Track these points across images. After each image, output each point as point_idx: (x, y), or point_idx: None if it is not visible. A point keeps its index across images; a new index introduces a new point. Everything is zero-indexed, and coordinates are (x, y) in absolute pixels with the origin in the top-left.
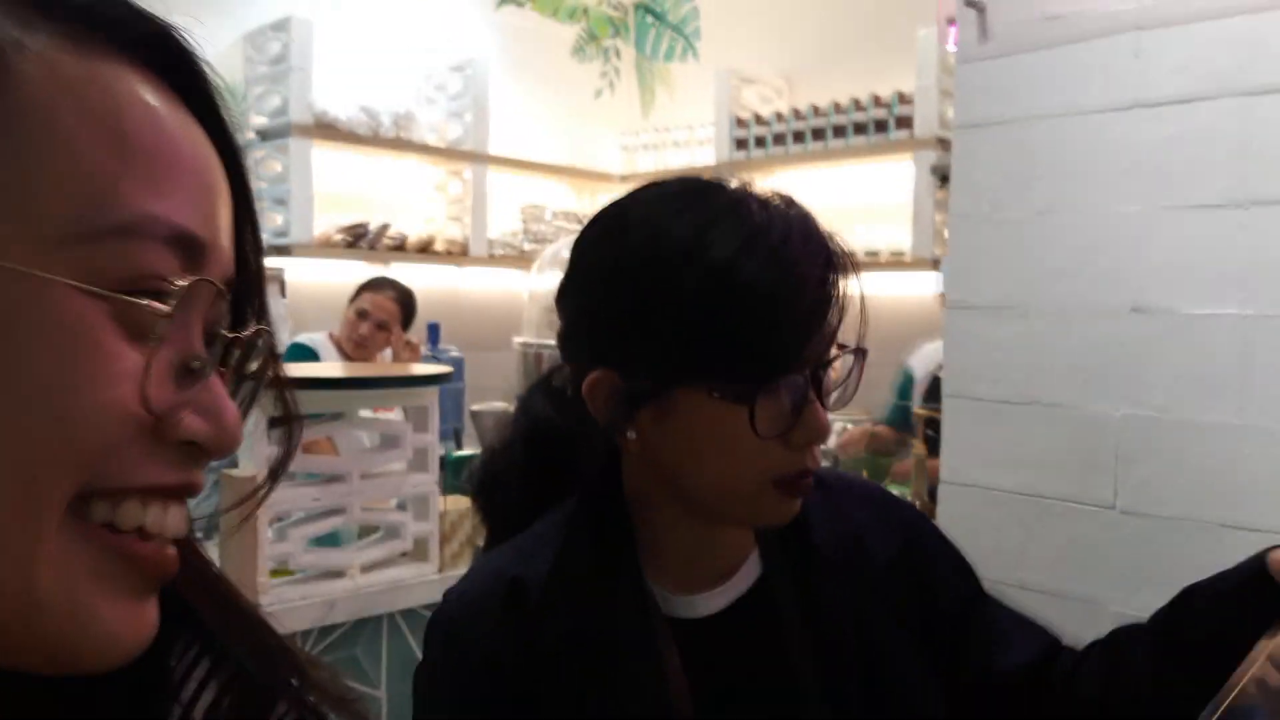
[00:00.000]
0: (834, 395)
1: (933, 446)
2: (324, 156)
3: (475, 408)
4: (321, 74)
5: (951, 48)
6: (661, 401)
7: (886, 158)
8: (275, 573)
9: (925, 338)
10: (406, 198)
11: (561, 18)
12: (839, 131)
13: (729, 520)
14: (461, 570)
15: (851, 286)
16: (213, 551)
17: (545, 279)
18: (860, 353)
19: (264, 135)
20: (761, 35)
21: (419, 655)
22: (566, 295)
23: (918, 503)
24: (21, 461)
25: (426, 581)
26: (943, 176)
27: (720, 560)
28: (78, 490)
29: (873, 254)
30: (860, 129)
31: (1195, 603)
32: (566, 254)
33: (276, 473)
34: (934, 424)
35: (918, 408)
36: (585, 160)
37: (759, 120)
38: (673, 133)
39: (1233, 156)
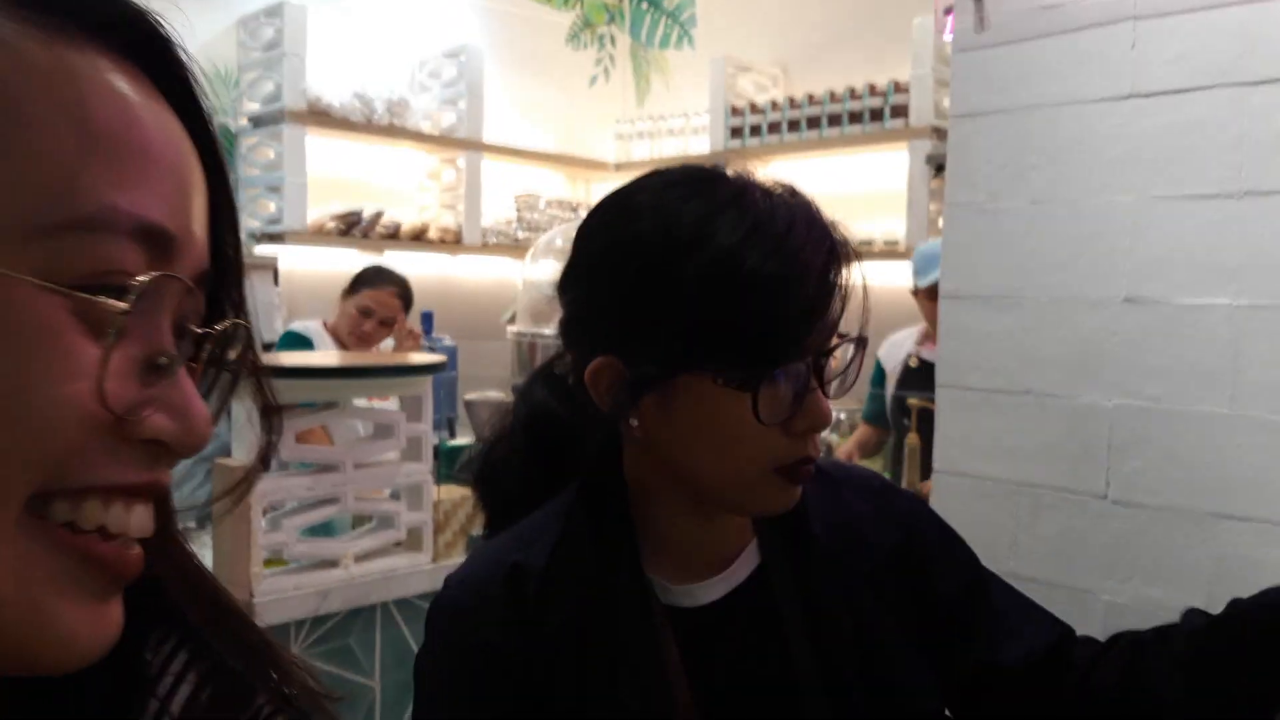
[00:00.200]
0: (834, 383)
1: (925, 438)
2: (317, 143)
3: (469, 397)
4: (315, 60)
5: (948, 37)
6: (664, 389)
7: (882, 147)
8: (269, 563)
9: (892, 328)
10: (400, 185)
11: (556, 4)
12: (834, 120)
13: (730, 508)
14: (456, 560)
15: (853, 276)
16: (207, 542)
17: (540, 268)
18: (861, 341)
19: (257, 122)
20: (757, 23)
21: (413, 645)
22: (569, 283)
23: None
24: None
25: (420, 571)
26: (938, 166)
27: (719, 549)
28: (35, 490)
29: (867, 243)
30: (856, 118)
31: (1240, 626)
32: (561, 243)
33: (262, 463)
34: (926, 414)
35: (912, 399)
36: (580, 148)
37: (754, 109)
38: (668, 121)
39: (1228, 147)
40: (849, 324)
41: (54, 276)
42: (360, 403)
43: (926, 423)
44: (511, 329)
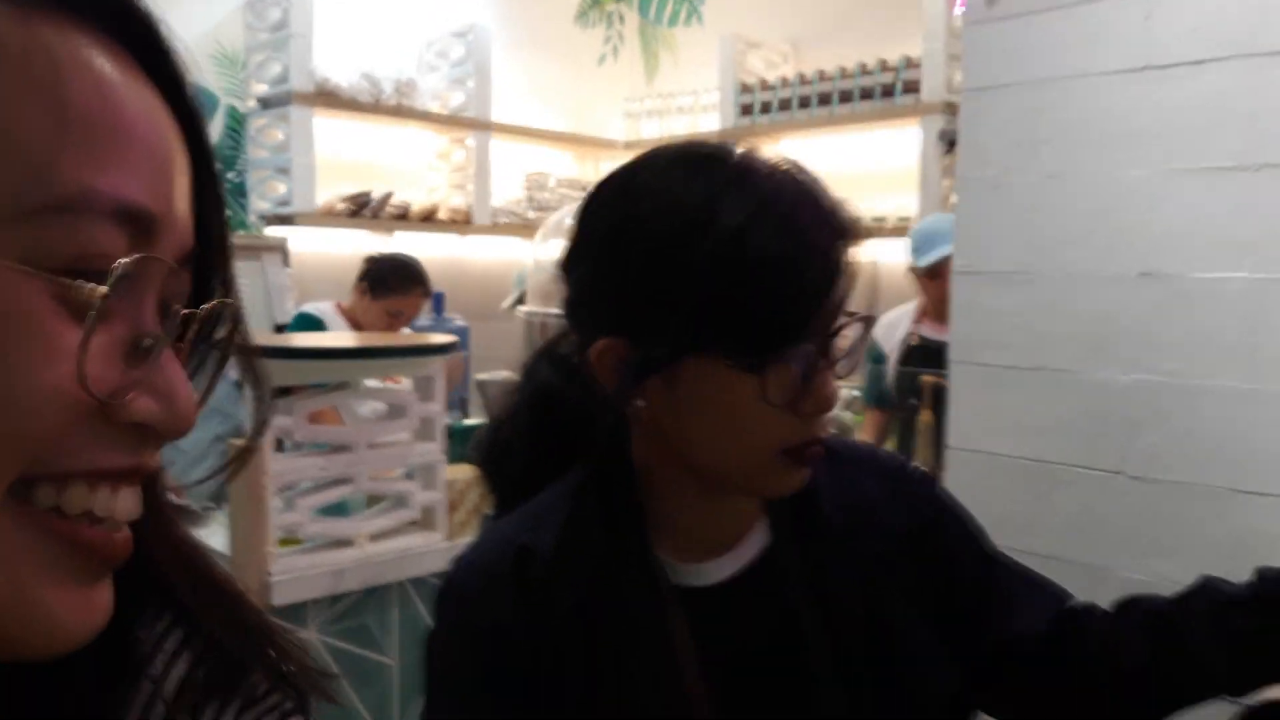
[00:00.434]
0: (841, 363)
1: (938, 415)
2: (326, 125)
3: (481, 377)
4: (322, 41)
5: (959, 10)
6: (670, 370)
7: (893, 123)
8: (284, 542)
9: (889, 305)
10: (409, 166)
11: None
12: (845, 97)
13: (737, 489)
14: (469, 538)
15: (860, 254)
16: (224, 521)
17: (549, 247)
18: (867, 320)
19: (265, 103)
20: (767, 0)
21: (429, 623)
22: (573, 262)
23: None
24: None
25: (435, 550)
26: (950, 142)
27: (727, 529)
28: (19, 475)
29: (879, 220)
30: (867, 94)
31: (1272, 589)
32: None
33: (253, 442)
34: (940, 391)
35: (926, 375)
36: (589, 127)
37: (764, 86)
38: (677, 99)
39: (1244, 120)
40: (856, 303)
41: (34, 260)
42: (372, 383)
43: (940, 400)
44: (522, 309)
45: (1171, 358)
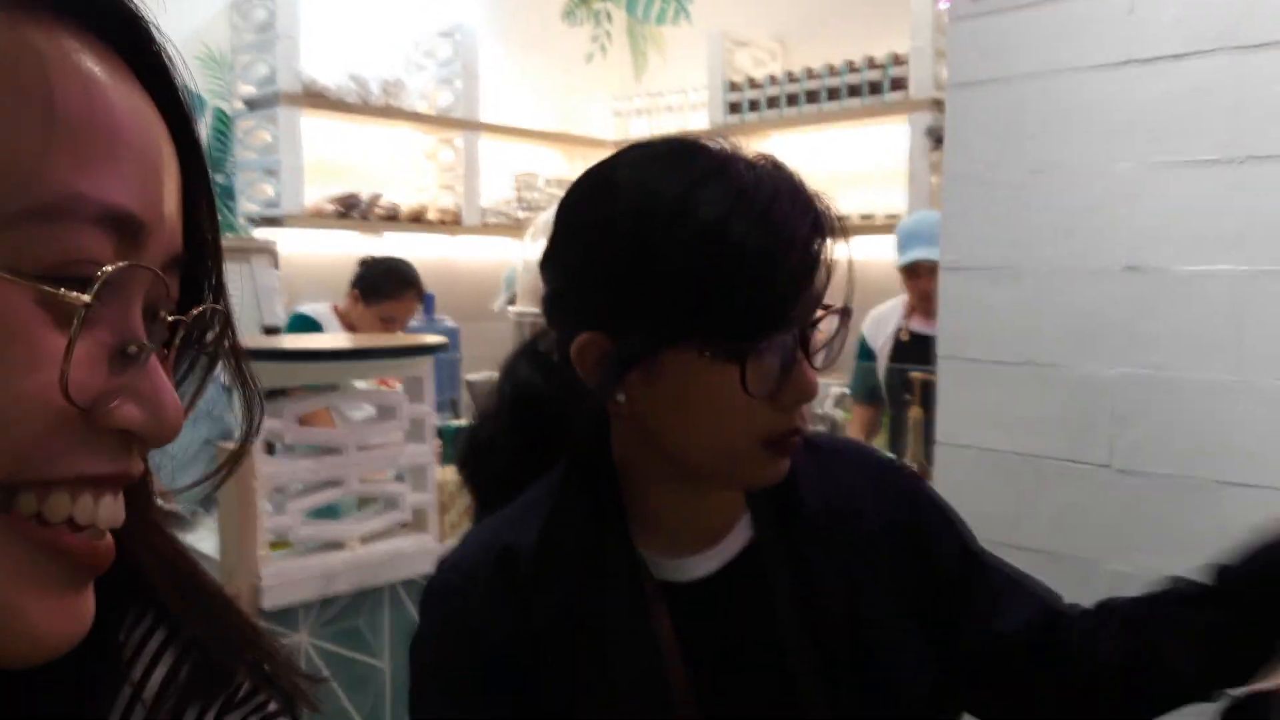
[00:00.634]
0: (821, 355)
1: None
2: (313, 125)
3: (471, 377)
4: (309, 41)
5: (944, 5)
6: (651, 363)
7: (881, 120)
8: (275, 545)
9: (877, 301)
10: (397, 167)
11: None
12: (833, 94)
13: (718, 482)
14: None
15: (839, 247)
16: (214, 526)
17: (538, 247)
18: (845, 312)
19: (252, 105)
20: None
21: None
22: (553, 258)
23: (915, 465)
24: None
25: (426, 551)
26: (938, 138)
27: (710, 523)
28: (1, 481)
29: (868, 217)
30: (855, 91)
31: (1231, 588)
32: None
33: (243, 446)
34: (929, 387)
35: (915, 372)
36: (578, 126)
37: (753, 84)
38: (665, 97)
39: (1227, 112)
40: (834, 296)
41: (18, 266)
42: (362, 385)
43: (929, 395)
44: (513, 309)
45: (1157, 351)
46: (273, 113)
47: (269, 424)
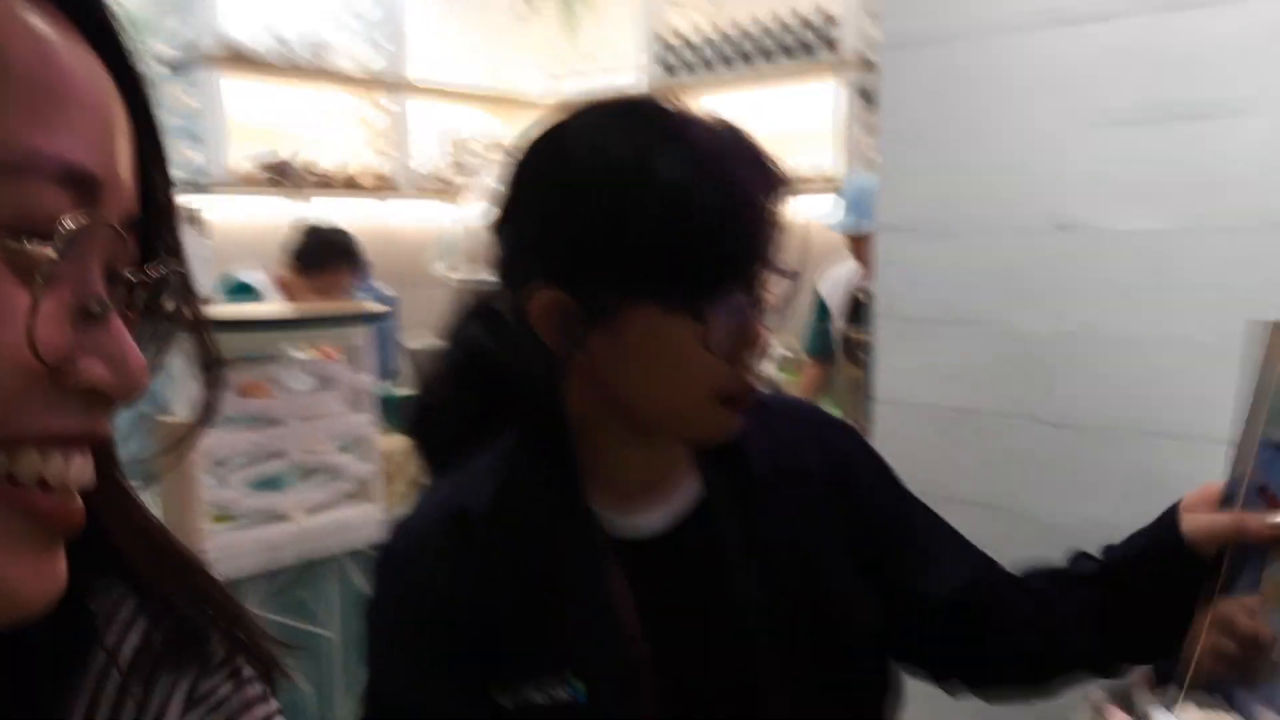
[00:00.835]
0: (771, 313)
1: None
2: (236, 88)
3: (412, 345)
4: (230, 0)
5: None
6: (612, 320)
7: (813, 79)
8: (218, 519)
9: (827, 261)
10: (326, 129)
11: None
12: (766, 53)
13: (675, 436)
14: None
15: (790, 207)
16: (151, 500)
17: (477, 211)
18: (794, 275)
19: (172, 67)
20: None
21: (368, 595)
22: (509, 219)
23: (854, 422)
24: None
25: (372, 522)
26: (868, 97)
27: (662, 479)
28: None
29: (804, 179)
30: (787, 50)
31: (1122, 572)
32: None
33: (204, 418)
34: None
35: (848, 330)
36: (510, 86)
37: (687, 44)
38: (599, 57)
39: (1149, 71)
40: (786, 258)
41: None
42: (300, 355)
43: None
44: (453, 275)
45: (1086, 306)
46: (194, 75)
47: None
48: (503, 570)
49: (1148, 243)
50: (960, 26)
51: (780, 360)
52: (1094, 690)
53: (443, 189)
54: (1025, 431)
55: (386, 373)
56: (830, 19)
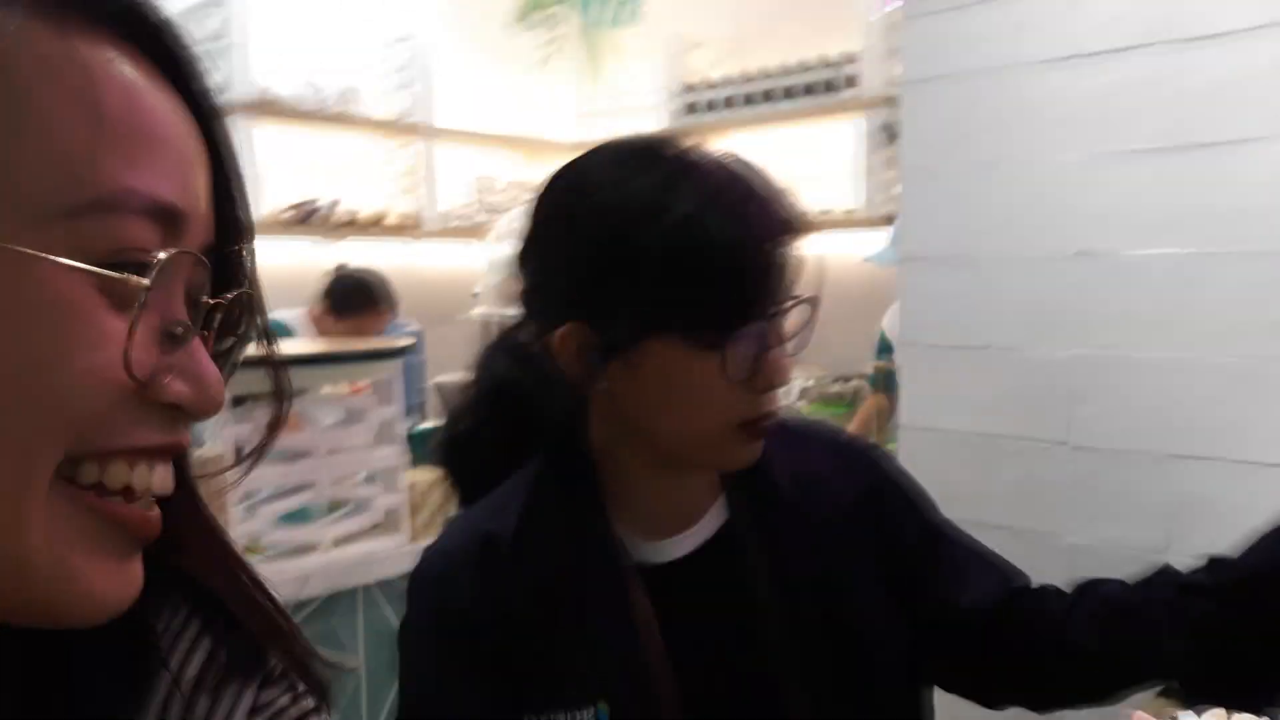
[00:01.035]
0: (792, 342)
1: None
2: (268, 134)
3: (440, 379)
4: (261, 50)
5: (888, 7)
6: (632, 352)
7: (835, 118)
8: (247, 550)
9: (849, 294)
10: (355, 173)
11: None
12: (788, 93)
13: (696, 465)
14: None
15: (804, 239)
16: None
17: (504, 249)
18: (813, 301)
19: None
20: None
21: (395, 625)
22: (531, 253)
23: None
24: (12, 430)
25: (398, 553)
26: (891, 134)
27: (686, 506)
28: (66, 455)
29: (826, 212)
30: (809, 90)
31: (1225, 579)
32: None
33: (269, 437)
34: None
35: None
36: (535, 129)
37: (708, 84)
38: (622, 99)
39: (1166, 103)
40: (804, 287)
41: (77, 255)
42: (329, 389)
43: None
44: (478, 310)
45: (1107, 332)
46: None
47: (236, 430)
48: (529, 593)
49: (1167, 270)
50: (978, 63)
51: (802, 390)
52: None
53: (469, 229)
54: (1048, 456)
55: (413, 407)
56: (850, 58)
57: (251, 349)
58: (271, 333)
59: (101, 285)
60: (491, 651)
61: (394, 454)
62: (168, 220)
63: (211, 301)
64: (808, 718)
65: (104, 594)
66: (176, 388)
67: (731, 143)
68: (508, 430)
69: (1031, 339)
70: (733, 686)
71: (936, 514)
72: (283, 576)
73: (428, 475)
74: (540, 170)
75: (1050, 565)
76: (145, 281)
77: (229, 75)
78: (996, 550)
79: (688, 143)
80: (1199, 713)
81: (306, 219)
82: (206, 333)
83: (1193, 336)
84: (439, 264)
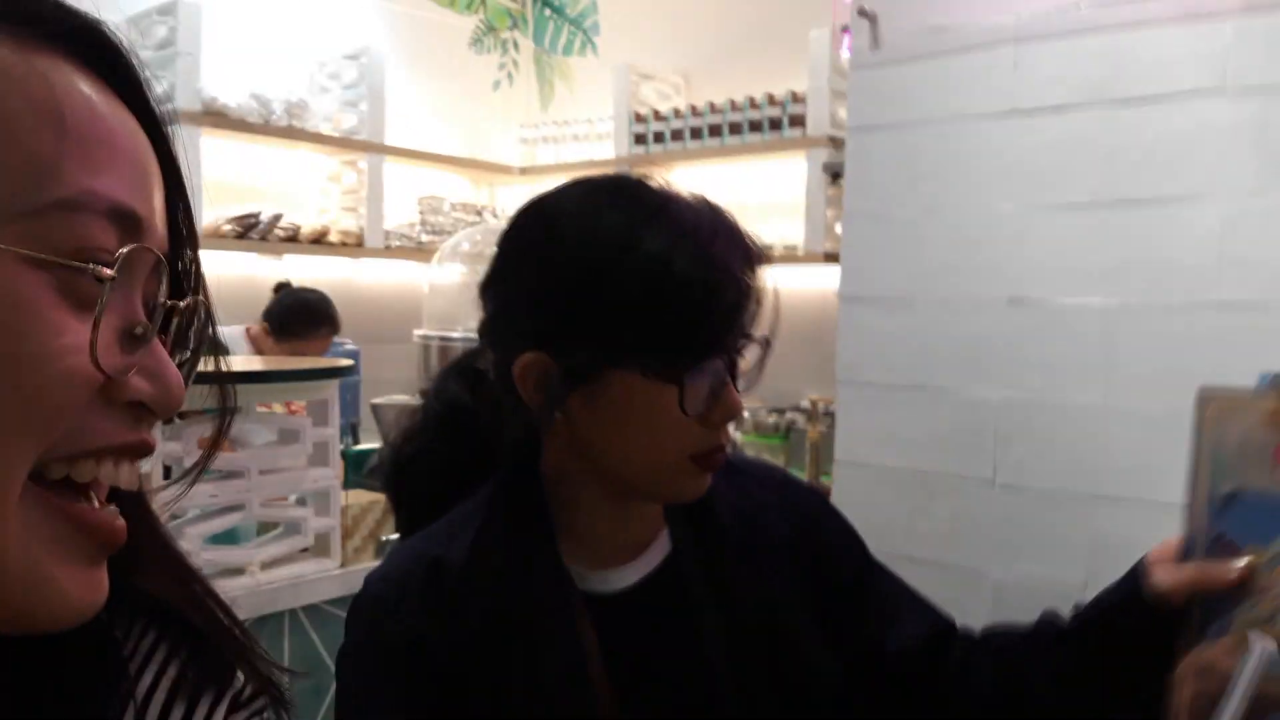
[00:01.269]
0: (743, 379)
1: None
2: (213, 145)
3: (376, 401)
4: (210, 60)
5: (846, 54)
6: (593, 383)
7: (780, 155)
8: None
9: (790, 329)
10: (299, 188)
11: (459, 8)
12: (735, 129)
13: (648, 495)
14: (365, 565)
15: (766, 281)
16: None
17: (446, 271)
18: (766, 342)
19: None
20: (659, 33)
21: (322, 650)
22: (496, 283)
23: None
24: None
25: (329, 577)
26: (834, 174)
27: (633, 537)
28: (38, 458)
29: (767, 248)
30: (755, 127)
31: (1092, 632)
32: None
33: (212, 448)
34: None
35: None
36: (484, 152)
37: (657, 116)
38: (572, 126)
39: (1100, 159)
40: (760, 325)
41: (41, 254)
42: (263, 409)
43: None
44: (417, 332)
45: (1037, 376)
46: (172, 131)
47: (166, 448)
48: (475, 621)
49: (1097, 320)
50: (922, 114)
51: (742, 422)
52: None
53: (412, 249)
54: (977, 494)
55: (347, 427)
56: (797, 98)
57: None
58: (222, 345)
59: (62, 286)
60: (434, 679)
61: (328, 476)
62: (127, 224)
63: (169, 304)
64: None
65: (74, 598)
66: (140, 385)
67: (679, 175)
68: (457, 456)
69: (964, 381)
70: (676, 717)
71: (868, 554)
72: None
73: (362, 498)
74: (487, 193)
75: (975, 601)
76: (110, 272)
77: (175, 84)
78: (924, 585)
79: (655, 181)
80: None
81: (246, 232)
82: (163, 336)
83: (1117, 384)
84: (380, 282)
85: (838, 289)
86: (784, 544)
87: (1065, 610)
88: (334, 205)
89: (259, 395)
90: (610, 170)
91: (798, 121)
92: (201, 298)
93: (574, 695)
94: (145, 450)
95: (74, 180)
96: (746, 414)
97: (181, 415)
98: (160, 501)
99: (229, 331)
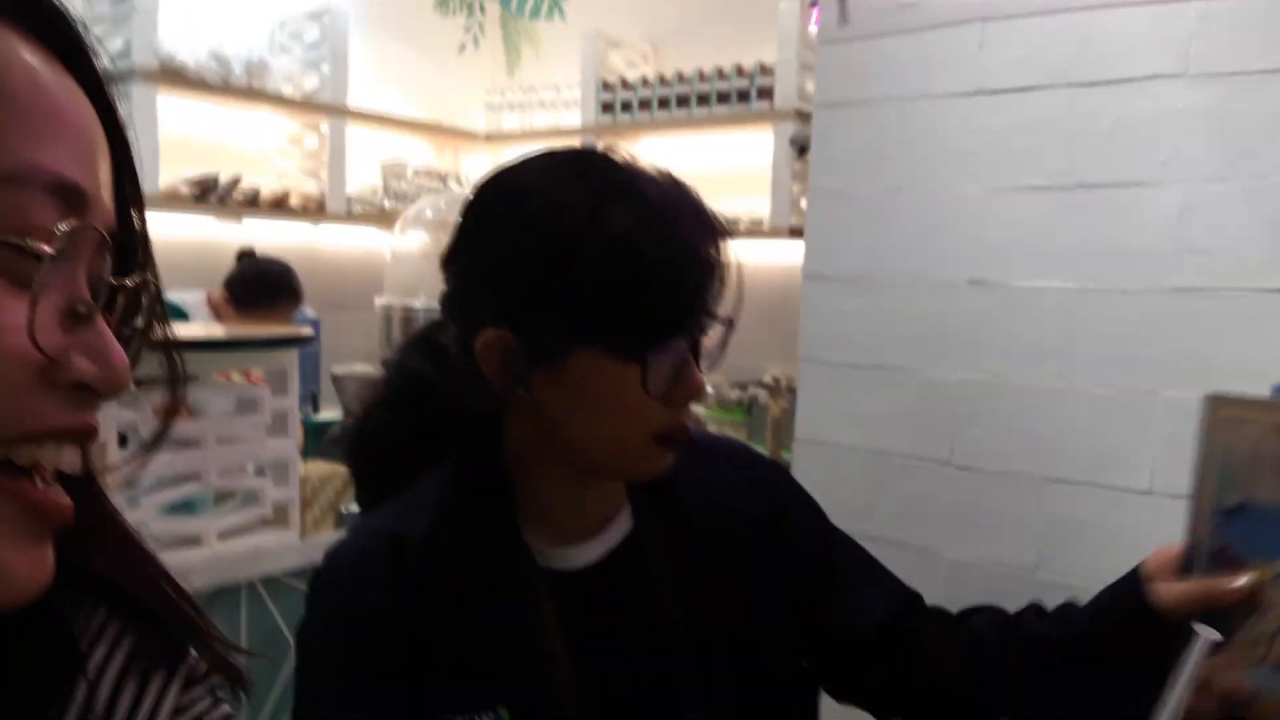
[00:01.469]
0: (706, 358)
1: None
2: (170, 104)
3: (337, 370)
4: (168, 16)
5: (813, 29)
6: (557, 360)
7: (747, 127)
8: None
9: (757, 305)
10: (259, 151)
11: None
12: (703, 100)
13: (611, 474)
14: (324, 536)
15: (730, 259)
16: None
17: (409, 239)
18: (729, 322)
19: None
20: (628, 0)
21: (280, 622)
22: (458, 257)
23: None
24: None
25: (288, 548)
26: (800, 148)
27: (595, 514)
28: None
29: (734, 222)
30: (723, 98)
31: (1089, 642)
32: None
33: (165, 424)
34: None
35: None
36: (448, 117)
37: (625, 85)
38: (539, 93)
39: (1062, 143)
40: (724, 305)
41: None
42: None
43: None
44: (379, 300)
45: (996, 358)
46: (127, 89)
47: (122, 415)
48: (435, 598)
49: (1056, 302)
50: (889, 91)
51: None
52: None
53: (374, 215)
54: (935, 474)
55: (308, 397)
56: (766, 70)
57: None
58: (165, 314)
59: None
60: (395, 655)
61: (287, 446)
62: (71, 199)
63: (114, 282)
64: None
65: (20, 577)
66: (83, 366)
67: (646, 145)
68: (419, 430)
69: (923, 361)
70: (635, 694)
71: (833, 529)
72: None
73: (321, 469)
74: (451, 159)
75: (930, 580)
76: (49, 250)
77: (131, 40)
78: (882, 562)
79: (620, 157)
80: None
81: (205, 195)
82: (109, 315)
83: (1073, 367)
84: (341, 248)
85: (802, 266)
86: (747, 521)
87: (1022, 592)
88: (295, 169)
89: (217, 363)
90: (577, 139)
91: (765, 94)
92: (150, 275)
93: (532, 672)
94: (87, 434)
95: (14, 152)
96: (710, 389)
97: (137, 383)
98: (116, 474)
99: (189, 298)
